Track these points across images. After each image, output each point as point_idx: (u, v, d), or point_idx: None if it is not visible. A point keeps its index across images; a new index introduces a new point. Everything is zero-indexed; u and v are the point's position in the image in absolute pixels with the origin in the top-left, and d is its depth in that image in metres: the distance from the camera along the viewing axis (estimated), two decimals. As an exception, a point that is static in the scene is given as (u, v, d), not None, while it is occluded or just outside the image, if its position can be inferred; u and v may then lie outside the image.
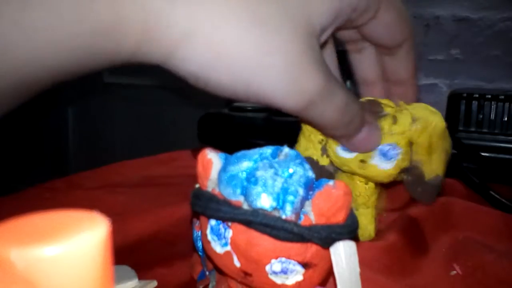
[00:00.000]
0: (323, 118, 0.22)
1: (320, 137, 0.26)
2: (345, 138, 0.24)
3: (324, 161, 0.27)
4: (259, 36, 0.19)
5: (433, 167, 0.25)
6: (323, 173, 0.27)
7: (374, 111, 0.25)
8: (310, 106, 0.21)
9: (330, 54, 0.27)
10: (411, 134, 0.25)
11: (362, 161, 0.25)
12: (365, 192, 0.27)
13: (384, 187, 0.28)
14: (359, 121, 0.24)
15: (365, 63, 0.28)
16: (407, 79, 0.27)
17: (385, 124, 0.25)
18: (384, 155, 0.25)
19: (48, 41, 0.16)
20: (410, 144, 0.25)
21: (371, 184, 0.27)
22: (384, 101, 0.26)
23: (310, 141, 0.27)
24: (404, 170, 0.25)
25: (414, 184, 0.26)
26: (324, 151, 0.26)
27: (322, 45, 0.24)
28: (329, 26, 0.22)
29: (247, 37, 0.19)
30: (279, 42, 0.20)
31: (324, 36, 0.23)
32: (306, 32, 0.20)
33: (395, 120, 0.25)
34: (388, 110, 0.25)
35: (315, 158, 0.27)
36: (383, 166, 0.25)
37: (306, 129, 0.27)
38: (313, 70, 0.21)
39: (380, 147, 0.25)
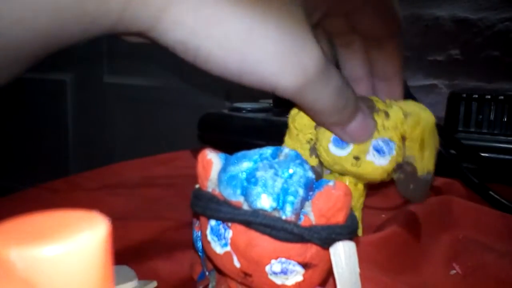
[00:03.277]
0: (319, 102, 0.21)
1: (309, 136, 0.26)
2: (339, 127, 0.23)
3: (312, 162, 0.26)
4: (252, 3, 0.19)
5: (425, 163, 0.25)
6: None
7: (366, 105, 0.25)
8: (307, 86, 0.20)
9: (322, 42, 0.26)
10: (404, 129, 0.24)
11: (356, 158, 0.24)
12: (354, 193, 0.26)
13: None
14: (353, 107, 0.23)
15: (352, 58, 0.27)
16: (393, 74, 0.26)
17: (378, 119, 0.24)
18: (379, 151, 0.24)
19: (29, 2, 0.16)
20: (403, 139, 0.24)
21: (361, 185, 0.26)
22: (373, 98, 0.25)
23: (297, 141, 0.26)
24: (397, 167, 0.25)
25: (407, 181, 0.25)
26: (313, 151, 0.26)
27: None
28: (320, 4, 0.22)
29: (241, 2, 0.18)
30: (273, 12, 0.19)
31: (316, 16, 0.22)
32: (297, 6, 0.20)
33: (387, 115, 0.24)
34: (378, 105, 0.25)
35: None
36: (379, 162, 0.24)
37: (294, 127, 0.26)
38: (311, 45, 0.20)
39: (374, 142, 0.24)
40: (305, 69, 0.20)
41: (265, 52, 0.19)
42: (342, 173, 0.26)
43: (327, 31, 0.27)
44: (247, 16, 0.19)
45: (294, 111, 0.26)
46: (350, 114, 0.23)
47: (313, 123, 0.25)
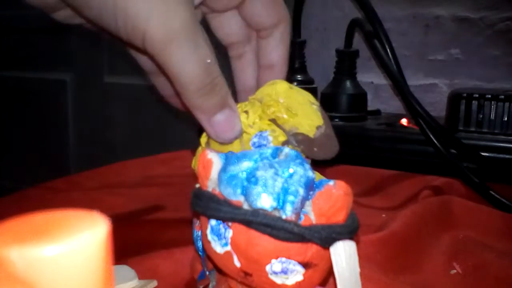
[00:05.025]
0: (185, 68, 0.21)
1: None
2: (205, 115, 0.23)
3: None
4: None
5: (309, 123, 0.24)
6: None
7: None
8: (174, 41, 0.21)
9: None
10: (266, 114, 0.24)
11: None
12: None
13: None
14: (223, 97, 0.23)
15: (246, 70, 0.29)
16: (277, 63, 0.28)
17: (242, 119, 0.24)
18: (260, 146, 0.24)
19: None
20: (274, 121, 0.24)
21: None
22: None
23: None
24: (286, 143, 0.24)
25: (309, 148, 0.24)
26: None
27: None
28: None
29: None
30: None
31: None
32: None
33: (247, 113, 0.24)
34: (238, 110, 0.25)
35: None
36: None
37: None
38: (182, 3, 0.21)
39: (252, 144, 0.24)
40: (172, 21, 0.20)
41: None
42: None
43: (224, 42, 0.28)
44: None
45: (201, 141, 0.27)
46: (217, 102, 0.23)
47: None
